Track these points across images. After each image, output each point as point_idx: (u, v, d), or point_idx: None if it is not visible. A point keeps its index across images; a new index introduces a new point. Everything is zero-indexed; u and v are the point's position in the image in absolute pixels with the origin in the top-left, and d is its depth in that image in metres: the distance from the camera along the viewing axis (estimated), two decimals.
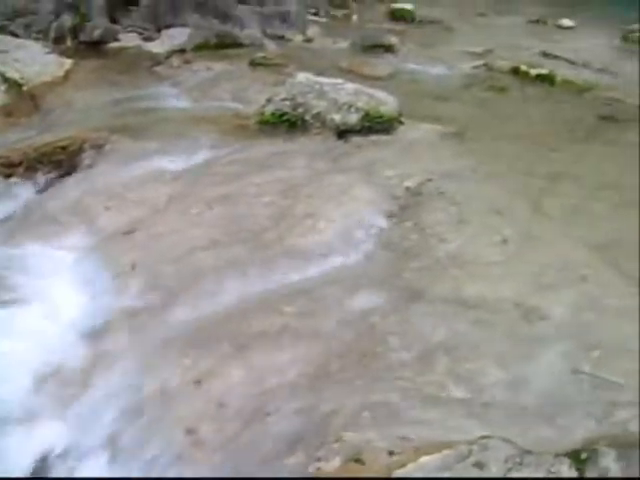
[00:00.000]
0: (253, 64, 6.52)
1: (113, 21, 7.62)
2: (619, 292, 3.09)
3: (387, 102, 4.85)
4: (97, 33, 7.27)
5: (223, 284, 3.15)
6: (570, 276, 3.17)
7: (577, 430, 2.31)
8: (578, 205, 3.96)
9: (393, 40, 7.67)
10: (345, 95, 4.78)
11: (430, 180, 3.99)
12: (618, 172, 4.55)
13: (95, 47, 7.19)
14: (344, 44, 7.73)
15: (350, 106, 4.73)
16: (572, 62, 7.87)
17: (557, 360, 2.62)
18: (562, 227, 3.65)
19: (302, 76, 5.03)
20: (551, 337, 2.75)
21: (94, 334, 2.99)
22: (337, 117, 4.70)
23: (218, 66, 6.48)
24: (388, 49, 7.47)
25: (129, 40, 7.40)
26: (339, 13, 9.73)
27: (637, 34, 10.10)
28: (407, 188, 3.91)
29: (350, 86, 4.89)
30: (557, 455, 2.18)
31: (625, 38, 10.07)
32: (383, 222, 3.58)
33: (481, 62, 7.30)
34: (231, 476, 2.30)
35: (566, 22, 10.71)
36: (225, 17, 7.64)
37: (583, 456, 2.17)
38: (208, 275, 3.23)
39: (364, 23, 9.31)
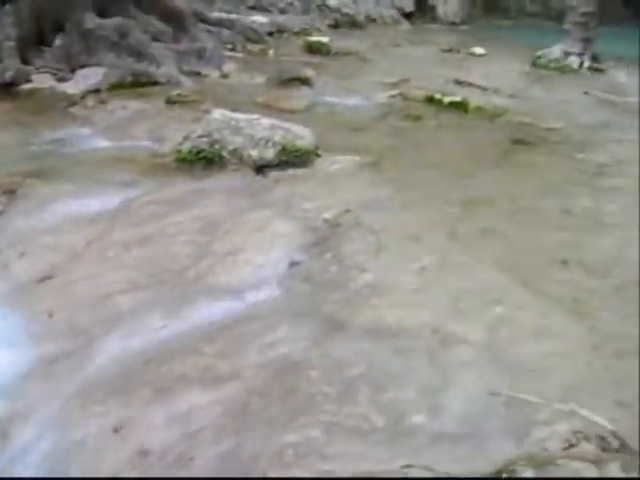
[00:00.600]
0: (169, 102, 6.49)
1: (25, 62, 7.48)
2: (533, 312, 3.18)
3: (303, 136, 4.90)
4: (9, 75, 7.11)
5: (142, 327, 3.11)
6: (486, 299, 3.24)
7: (497, 451, 2.36)
8: (492, 229, 4.06)
9: (309, 73, 7.75)
10: (261, 130, 4.81)
11: (348, 211, 4.04)
12: (530, 194, 4.70)
13: (7, 89, 7.03)
14: (261, 79, 7.77)
15: (267, 141, 4.76)
16: (484, 89, 8.11)
17: (475, 383, 2.67)
18: (477, 251, 3.74)
19: (218, 112, 5.04)
20: (469, 361, 2.80)
21: (9, 385, 2.89)
22: (254, 152, 4.72)
23: (134, 105, 6.44)
24: (304, 82, 7.54)
25: (42, 81, 7.27)
26: (256, 48, 9.79)
27: (545, 59, 10.50)
28: (325, 220, 3.95)
29: (266, 121, 4.93)
30: (478, 479, 2.22)
31: (534, 63, 10.45)
32: (302, 255, 3.60)
33: (396, 92, 7.45)
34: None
35: (478, 50, 11.05)
36: (140, 55, 7.60)
37: (503, 477, 2.21)
38: (127, 319, 3.18)
39: (280, 57, 9.39)
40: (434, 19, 16.09)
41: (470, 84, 8.23)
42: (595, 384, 2.74)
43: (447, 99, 7.08)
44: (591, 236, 4.11)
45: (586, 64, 10.59)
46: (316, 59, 9.25)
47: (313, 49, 9.87)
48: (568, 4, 10.90)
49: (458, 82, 8.31)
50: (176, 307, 3.24)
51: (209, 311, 3.19)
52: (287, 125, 4.96)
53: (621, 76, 10.25)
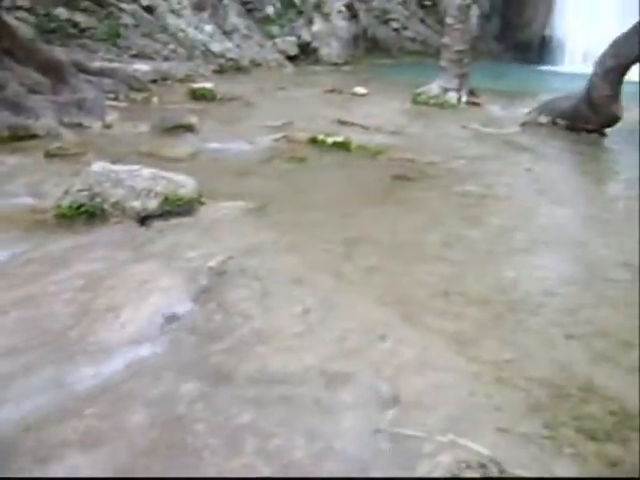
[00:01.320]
0: (49, 155, 6.33)
1: None
2: (416, 346, 3.25)
3: (186, 184, 4.89)
4: None
5: (21, 393, 2.99)
6: (370, 337, 3.30)
7: None
8: (376, 266, 4.15)
9: (193, 120, 7.76)
10: (142, 181, 4.76)
11: (232, 258, 4.05)
12: (412, 229, 4.84)
13: None
14: (144, 127, 7.70)
15: (149, 192, 4.72)
16: (366, 127, 8.35)
17: (361, 423, 2.70)
18: (362, 289, 3.81)
19: (98, 165, 4.95)
20: (355, 401, 2.84)
21: None
22: (136, 204, 4.66)
23: (11, 160, 6.24)
24: (189, 129, 7.54)
25: None
26: (139, 96, 9.71)
27: (425, 96, 10.90)
28: (210, 269, 3.93)
29: (147, 172, 4.88)
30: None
31: (414, 100, 10.83)
32: (187, 306, 3.56)
33: (281, 134, 7.55)
34: None
35: (360, 90, 11.36)
36: (17, 108, 7.37)
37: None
38: (4, 385, 3.05)
39: (165, 105, 9.35)
40: (318, 61, 16.47)
41: (353, 123, 8.45)
42: (477, 413, 2.83)
43: (330, 140, 7.23)
44: (470, 266, 4.27)
45: (464, 99, 11.06)
46: (201, 105, 9.27)
47: (197, 95, 9.90)
48: (443, 43, 11.37)
49: (341, 122, 8.52)
50: (57, 369, 3.13)
51: (91, 371, 3.10)
52: (169, 174, 4.93)
53: (496, 109, 10.77)
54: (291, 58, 15.90)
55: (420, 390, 2.93)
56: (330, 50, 16.86)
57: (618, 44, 8.75)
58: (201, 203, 4.91)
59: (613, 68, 8.73)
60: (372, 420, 2.71)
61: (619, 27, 8.89)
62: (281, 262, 4.08)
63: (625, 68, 8.72)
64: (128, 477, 2.41)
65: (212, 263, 3.97)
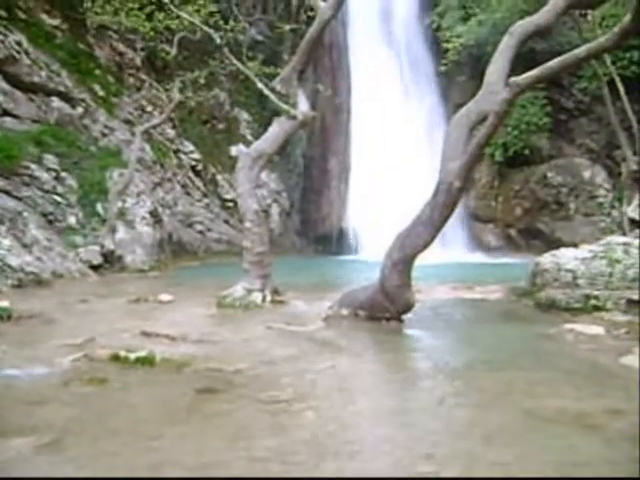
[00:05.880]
0: None
1: None
2: None
3: None
4: None
5: None
6: None
7: None
8: None
9: None
10: None
11: None
12: (217, 447, 4.74)
13: None
14: None
15: None
16: (172, 338, 8.29)
17: None
18: None
19: None
20: None
21: None
22: None
23: None
24: None
25: None
26: None
27: (230, 298, 11.12)
28: None
29: None
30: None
31: (220, 304, 11.01)
32: None
33: (81, 354, 7.28)
34: None
35: (165, 297, 11.42)
36: None
37: None
38: None
39: None
40: (123, 268, 16.49)
41: (157, 334, 8.38)
42: None
43: (133, 355, 7.07)
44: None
45: (268, 298, 11.42)
46: None
47: None
48: (244, 246, 11.83)
49: (146, 334, 8.43)
50: None
51: None
52: None
53: (300, 305, 11.19)
54: (95, 267, 15.78)
55: None
56: (135, 257, 16.96)
57: (402, 237, 9.53)
58: None
59: (400, 260, 9.45)
60: None
61: (406, 218, 9.70)
62: None
63: (411, 258, 9.45)
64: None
65: None
